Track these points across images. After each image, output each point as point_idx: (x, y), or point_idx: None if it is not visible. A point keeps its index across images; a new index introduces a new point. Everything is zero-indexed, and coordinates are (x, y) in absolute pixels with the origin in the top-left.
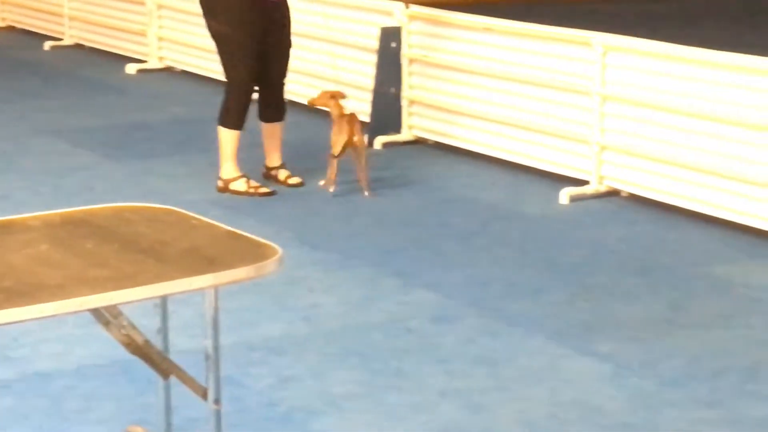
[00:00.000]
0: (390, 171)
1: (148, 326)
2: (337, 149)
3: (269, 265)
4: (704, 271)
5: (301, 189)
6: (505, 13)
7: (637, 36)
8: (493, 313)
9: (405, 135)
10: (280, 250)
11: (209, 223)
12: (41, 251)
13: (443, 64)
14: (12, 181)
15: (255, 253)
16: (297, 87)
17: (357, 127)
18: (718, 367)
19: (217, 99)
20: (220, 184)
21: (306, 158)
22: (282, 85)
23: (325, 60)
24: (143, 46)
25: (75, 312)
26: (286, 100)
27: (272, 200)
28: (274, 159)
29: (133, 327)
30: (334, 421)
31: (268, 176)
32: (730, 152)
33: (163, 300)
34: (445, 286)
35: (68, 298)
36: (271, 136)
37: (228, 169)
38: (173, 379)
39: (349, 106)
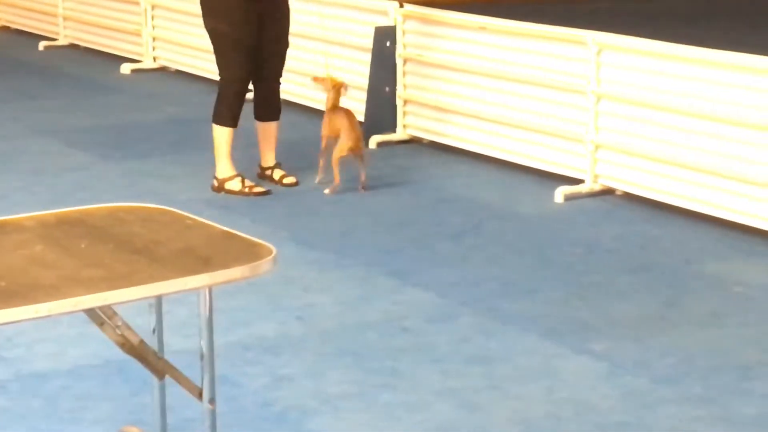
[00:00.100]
0: (385, 170)
1: (142, 326)
2: (339, 155)
3: (264, 265)
4: (698, 269)
5: (295, 189)
6: (499, 11)
7: (633, 35)
8: (488, 312)
9: (400, 134)
10: (274, 249)
11: (204, 222)
12: (36, 251)
13: (438, 63)
14: (7, 181)
15: (250, 252)
16: (292, 87)
17: (357, 126)
18: (713, 365)
19: (212, 98)
20: (215, 183)
21: (301, 158)
22: (277, 84)
23: (320, 60)
24: (138, 45)
25: (70, 312)
26: (281, 100)
27: (267, 200)
28: (268, 159)
29: (128, 327)
30: (329, 421)
31: (263, 176)
32: (725, 151)
33: (158, 300)
34: (440, 285)
35: (63, 298)
36: (266, 135)
37: (222, 168)
38: (168, 379)
39: (347, 104)
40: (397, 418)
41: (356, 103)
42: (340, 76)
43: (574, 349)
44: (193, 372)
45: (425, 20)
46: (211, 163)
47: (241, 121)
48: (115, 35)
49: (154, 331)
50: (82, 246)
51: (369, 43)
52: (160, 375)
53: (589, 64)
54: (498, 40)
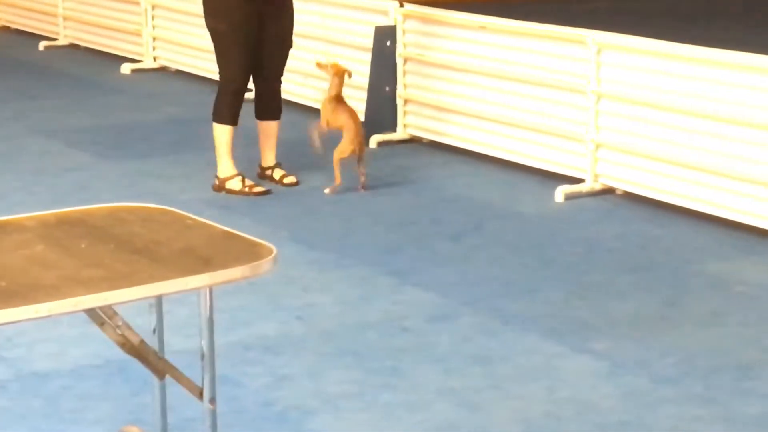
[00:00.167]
0: (385, 170)
1: (143, 326)
2: (340, 155)
3: (264, 265)
4: (699, 268)
5: (296, 188)
6: (499, 11)
7: (632, 34)
8: (489, 311)
9: (400, 134)
10: (275, 249)
11: (204, 222)
12: (36, 251)
13: (438, 62)
14: (7, 182)
15: (250, 252)
16: (292, 86)
17: (361, 127)
18: (713, 364)
19: (212, 98)
20: (216, 182)
21: (301, 158)
22: (278, 83)
23: (321, 59)
24: (138, 45)
25: (70, 312)
26: (282, 99)
27: (267, 200)
28: (268, 158)
29: (129, 327)
30: (329, 421)
31: (263, 176)
32: (726, 150)
33: (159, 300)
34: (441, 285)
35: (63, 298)
36: (267, 134)
37: (223, 167)
38: (169, 378)
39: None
40: (397, 417)
41: (357, 102)
42: (344, 63)
43: (574, 349)
44: (193, 372)
45: (425, 20)
46: (212, 163)
47: (241, 121)
48: (116, 35)
49: (154, 331)
50: (83, 246)
51: (369, 42)
52: (161, 375)
53: (590, 64)
54: (498, 40)
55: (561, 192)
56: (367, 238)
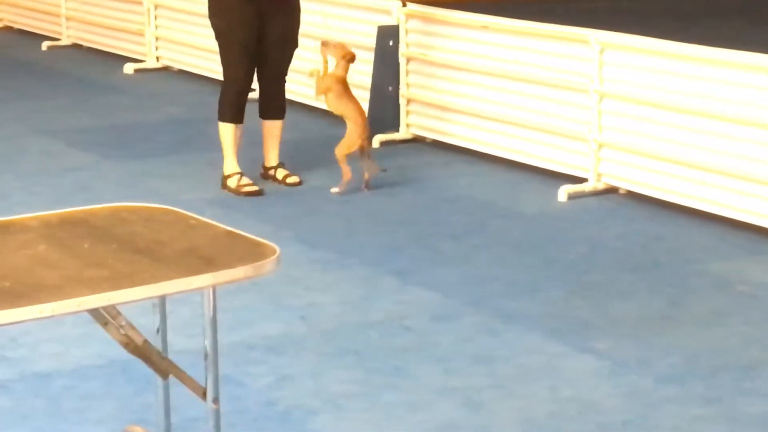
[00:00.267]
0: (388, 169)
1: (146, 326)
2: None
3: (267, 265)
4: (702, 268)
5: (299, 188)
6: (501, 10)
7: (633, 33)
8: (491, 311)
9: (403, 133)
10: (278, 249)
11: (207, 222)
12: (39, 251)
13: (440, 62)
14: (9, 182)
15: (253, 252)
16: (295, 86)
17: (367, 123)
18: (716, 364)
19: (215, 98)
20: (222, 180)
21: (304, 157)
22: (282, 82)
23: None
24: (140, 45)
25: (74, 312)
26: (286, 99)
27: (270, 199)
28: (271, 158)
29: (132, 327)
30: (332, 420)
31: (266, 176)
32: (728, 149)
33: (162, 300)
34: (443, 284)
35: (67, 298)
36: (270, 134)
37: (226, 164)
38: (172, 378)
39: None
40: (399, 417)
41: (359, 102)
42: (349, 46)
43: (577, 348)
44: (196, 372)
45: (428, 19)
46: (214, 163)
47: (246, 121)
48: (118, 35)
49: (157, 330)
50: (86, 246)
51: (372, 42)
52: (164, 375)
53: (592, 63)
54: (501, 39)
55: (564, 191)
56: (370, 237)
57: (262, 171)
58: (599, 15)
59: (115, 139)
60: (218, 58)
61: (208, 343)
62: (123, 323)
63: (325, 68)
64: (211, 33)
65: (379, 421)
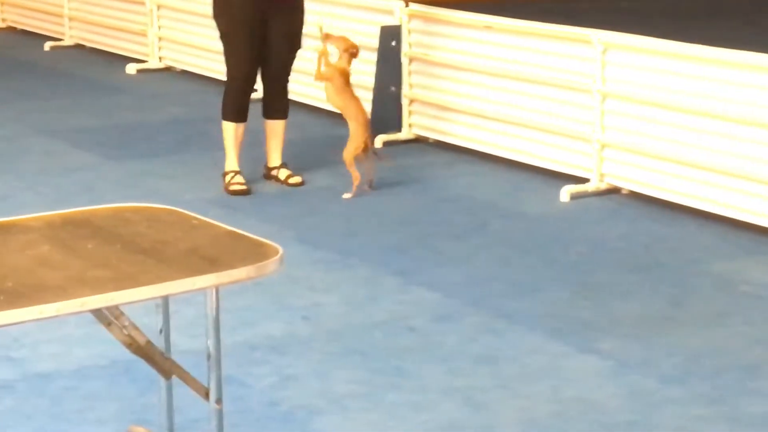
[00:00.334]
0: (390, 170)
1: (149, 326)
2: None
3: (270, 265)
4: (704, 268)
5: (301, 188)
6: (504, 11)
7: (634, 33)
8: (494, 311)
9: (405, 134)
10: (280, 249)
11: (210, 222)
12: (42, 252)
13: (443, 62)
14: (12, 182)
15: (256, 252)
16: (298, 87)
17: (369, 124)
18: (719, 364)
19: (217, 99)
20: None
21: (307, 158)
22: (285, 82)
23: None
24: (143, 46)
25: (77, 313)
26: (289, 99)
27: (273, 200)
28: (274, 159)
29: (135, 327)
30: (335, 420)
31: (269, 177)
32: (730, 149)
33: (165, 300)
34: (446, 284)
35: (70, 298)
36: (273, 134)
37: (226, 163)
38: (175, 379)
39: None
40: (403, 417)
41: (362, 102)
42: (352, 39)
43: (580, 349)
44: (199, 372)
45: (431, 19)
46: (217, 163)
47: (249, 122)
48: (121, 35)
49: (160, 331)
50: (89, 246)
51: (375, 42)
52: (167, 375)
53: (595, 63)
54: (503, 39)
55: (566, 192)
56: (373, 237)
57: (264, 171)
58: (600, 15)
59: (117, 139)
60: (221, 58)
61: (210, 343)
62: (126, 323)
63: (326, 59)
64: (214, 33)
65: (383, 421)
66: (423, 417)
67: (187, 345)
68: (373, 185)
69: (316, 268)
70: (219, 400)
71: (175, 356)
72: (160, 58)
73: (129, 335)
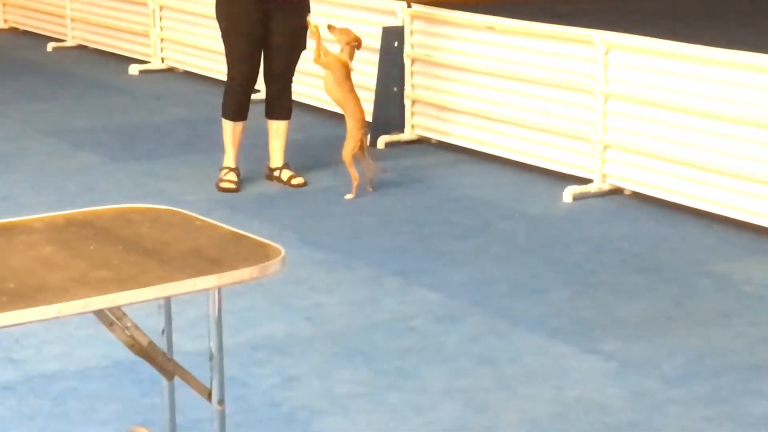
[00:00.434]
0: (393, 170)
1: (152, 327)
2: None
3: (272, 266)
4: (707, 269)
5: (303, 189)
6: (506, 11)
7: (636, 33)
8: (496, 312)
9: (408, 134)
10: (283, 250)
11: (212, 223)
12: (44, 253)
13: (445, 63)
14: (14, 183)
15: (258, 253)
16: (300, 87)
17: (364, 124)
18: (721, 364)
19: (220, 99)
20: None
21: (310, 159)
22: (287, 82)
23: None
24: (146, 46)
25: (79, 313)
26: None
27: (275, 201)
28: (276, 160)
29: (137, 328)
30: (337, 421)
31: (271, 177)
32: (734, 150)
33: (167, 301)
34: (448, 285)
35: (72, 299)
36: (276, 134)
37: (224, 159)
38: (177, 379)
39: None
40: (405, 418)
41: (364, 103)
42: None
43: (582, 349)
44: (202, 373)
45: (433, 20)
46: (219, 164)
47: (250, 122)
48: (123, 36)
49: (163, 331)
50: (91, 247)
51: (377, 43)
52: (169, 376)
53: (597, 64)
54: (506, 40)
55: (569, 192)
56: (375, 238)
57: (267, 172)
58: (598, 15)
59: (119, 140)
60: (223, 59)
61: (213, 344)
62: (128, 324)
63: (322, 48)
64: (217, 34)
65: (385, 421)
66: (424, 418)
67: (189, 346)
68: (374, 185)
69: (318, 269)
70: (221, 401)
71: (177, 357)
72: (162, 59)
73: (131, 336)
